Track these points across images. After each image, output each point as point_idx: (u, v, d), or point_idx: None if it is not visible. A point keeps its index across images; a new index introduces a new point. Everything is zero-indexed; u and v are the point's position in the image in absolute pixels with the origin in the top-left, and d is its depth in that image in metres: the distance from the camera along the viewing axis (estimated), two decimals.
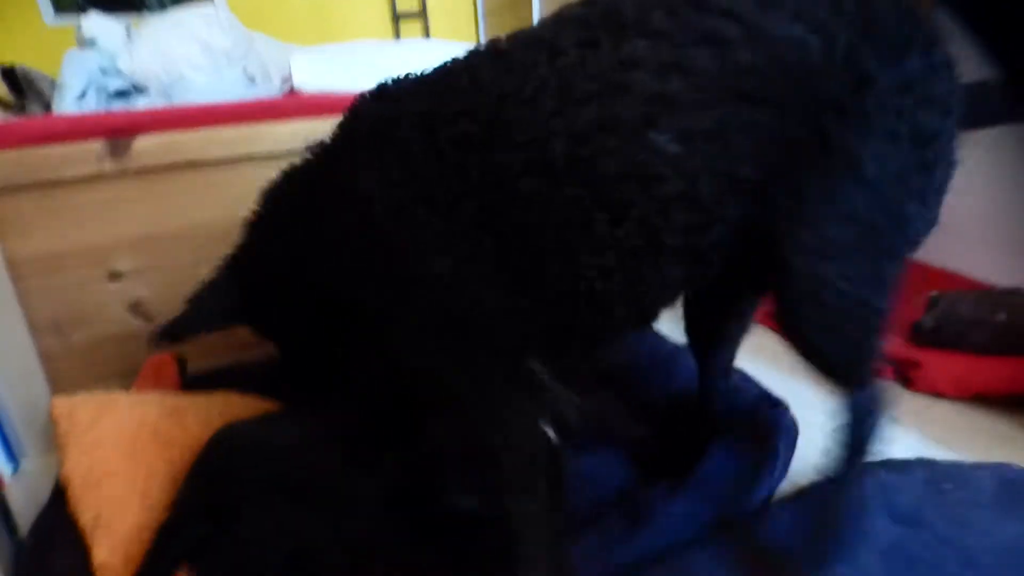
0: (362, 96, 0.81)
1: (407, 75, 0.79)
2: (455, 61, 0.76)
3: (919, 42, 0.66)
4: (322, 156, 0.85)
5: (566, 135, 0.65)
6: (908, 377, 1.41)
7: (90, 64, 1.40)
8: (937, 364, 1.39)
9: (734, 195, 0.67)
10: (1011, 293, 1.46)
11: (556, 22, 0.71)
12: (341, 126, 0.83)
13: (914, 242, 0.76)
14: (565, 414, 0.71)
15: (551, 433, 0.70)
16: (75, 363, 1.15)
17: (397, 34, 3.69)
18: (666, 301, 0.79)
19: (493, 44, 0.74)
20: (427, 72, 0.77)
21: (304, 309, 0.89)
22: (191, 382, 1.16)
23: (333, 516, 0.77)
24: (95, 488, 0.84)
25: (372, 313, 0.78)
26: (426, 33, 3.78)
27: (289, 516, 0.76)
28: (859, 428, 0.80)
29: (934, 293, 1.51)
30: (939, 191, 0.73)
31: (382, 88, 0.80)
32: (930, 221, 0.74)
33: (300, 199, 0.86)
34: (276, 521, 0.75)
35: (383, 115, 0.77)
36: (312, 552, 0.74)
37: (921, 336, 1.47)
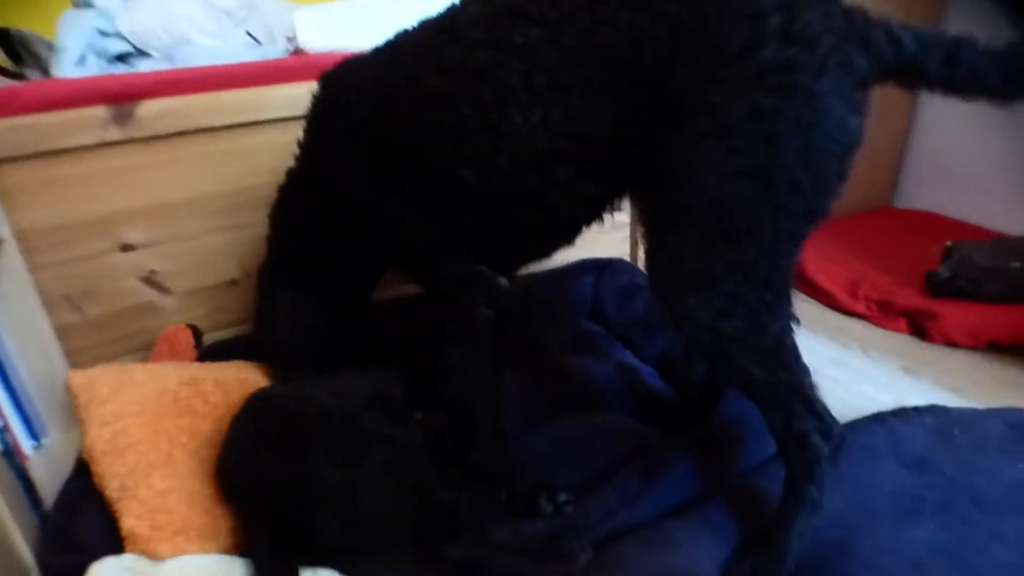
0: (322, 77, 1.00)
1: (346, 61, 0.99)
2: (401, 36, 0.94)
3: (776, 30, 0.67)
4: (298, 147, 1.05)
5: (456, 107, 0.82)
6: (923, 328, 1.41)
7: (88, 25, 1.35)
8: (952, 314, 1.38)
9: (568, 163, 0.81)
10: None
11: (430, 22, 0.89)
12: (306, 115, 1.03)
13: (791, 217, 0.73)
14: (501, 298, 0.95)
15: (489, 312, 0.95)
16: (91, 337, 1.16)
17: None
18: (551, 240, 0.98)
19: (397, 38, 0.94)
20: (380, 48, 0.96)
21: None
22: (206, 353, 1.17)
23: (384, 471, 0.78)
24: (119, 458, 0.85)
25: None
26: None
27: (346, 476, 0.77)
28: None
29: (949, 243, 1.50)
30: (816, 175, 0.71)
31: (325, 77, 1.00)
32: (808, 204, 0.72)
33: (293, 188, 1.08)
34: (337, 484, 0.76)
35: (324, 101, 0.99)
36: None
37: (936, 286, 1.47)
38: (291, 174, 1.08)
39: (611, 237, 1.61)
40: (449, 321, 0.98)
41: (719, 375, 0.86)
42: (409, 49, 0.91)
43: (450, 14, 0.87)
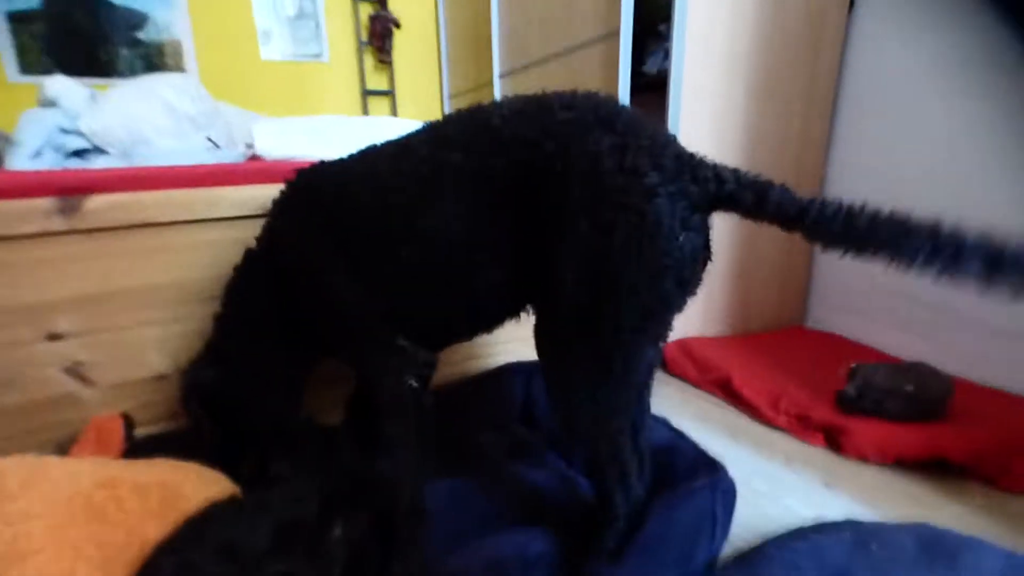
0: (298, 170, 1.15)
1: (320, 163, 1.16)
2: (369, 148, 1.12)
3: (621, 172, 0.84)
4: (262, 230, 1.17)
5: (406, 198, 1.00)
6: (838, 443, 1.49)
7: (48, 123, 1.39)
8: (861, 430, 1.47)
9: (484, 252, 0.97)
10: (914, 367, 1.59)
11: (421, 131, 1.07)
12: (279, 193, 1.16)
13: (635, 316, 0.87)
14: (422, 368, 1.07)
15: (414, 383, 1.05)
16: (7, 426, 1.10)
17: (365, 111, 3.81)
18: (471, 322, 1.11)
19: (365, 148, 1.12)
20: (351, 155, 1.13)
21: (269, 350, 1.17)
22: (136, 445, 1.12)
23: None
24: (18, 564, 0.78)
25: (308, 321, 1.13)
26: (393, 112, 3.91)
27: None
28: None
29: (853, 364, 1.62)
30: (651, 280, 0.85)
31: (300, 172, 1.15)
32: (646, 304, 0.86)
33: (249, 267, 1.17)
34: None
35: (294, 186, 1.15)
36: None
37: (845, 404, 1.57)
38: (250, 254, 1.18)
39: None
40: (381, 393, 1.08)
41: (565, 431, 0.97)
42: (373, 157, 1.10)
43: (405, 137, 1.07)
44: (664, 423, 1.19)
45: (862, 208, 0.78)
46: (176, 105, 1.42)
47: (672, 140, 0.90)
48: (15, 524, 0.82)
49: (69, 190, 1.07)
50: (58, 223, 1.07)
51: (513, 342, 1.63)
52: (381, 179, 1.05)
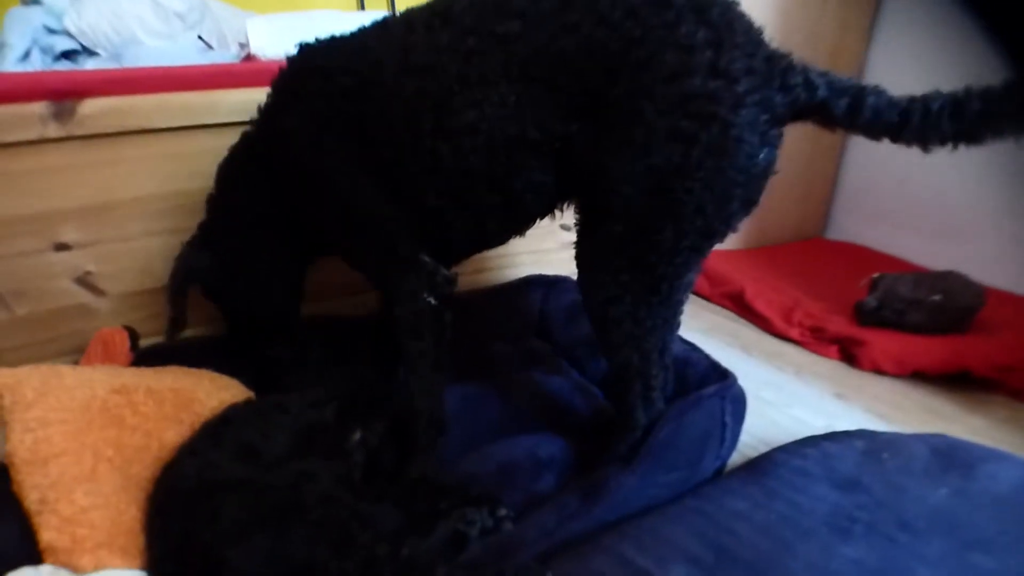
0: (289, 56, 1.01)
1: (329, 37, 1.00)
2: (363, 29, 0.97)
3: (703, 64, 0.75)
4: (259, 113, 1.04)
5: (444, 82, 0.87)
6: (853, 354, 1.48)
7: (35, 22, 1.32)
8: (879, 343, 1.46)
9: (532, 151, 0.87)
10: (945, 276, 1.54)
11: (424, 7, 0.92)
12: (272, 82, 1.02)
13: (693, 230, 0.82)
14: (442, 287, 0.99)
15: (433, 300, 0.98)
16: (20, 336, 1.11)
17: (362, 5, 3.62)
18: (506, 226, 1.03)
19: (384, 19, 0.98)
20: (367, 27, 0.97)
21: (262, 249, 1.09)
22: (142, 356, 1.13)
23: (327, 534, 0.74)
24: (40, 467, 0.80)
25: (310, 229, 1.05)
26: (391, 7, 3.71)
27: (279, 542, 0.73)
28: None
29: (875, 275, 1.58)
30: (720, 199, 0.79)
31: (303, 47, 1.00)
32: (709, 224, 0.82)
33: (246, 154, 1.06)
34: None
35: (300, 68, 0.99)
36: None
37: (864, 316, 1.54)
38: (247, 136, 1.07)
39: (559, 255, 1.63)
40: (401, 311, 1.00)
41: (598, 341, 0.94)
42: (399, 28, 0.94)
43: (445, 2, 0.91)
44: (677, 336, 1.17)
45: (968, 94, 0.71)
46: (162, 0, 1.34)
47: (763, 36, 0.79)
48: (35, 430, 0.84)
49: (62, 94, 1.02)
50: (54, 129, 1.03)
51: (524, 254, 1.60)
52: (412, 57, 0.89)
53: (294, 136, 0.98)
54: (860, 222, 2.19)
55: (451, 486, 0.91)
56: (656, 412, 0.94)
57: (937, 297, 1.47)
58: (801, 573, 0.75)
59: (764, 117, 0.76)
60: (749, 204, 0.82)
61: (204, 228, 1.10)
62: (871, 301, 1.53)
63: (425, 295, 0.98)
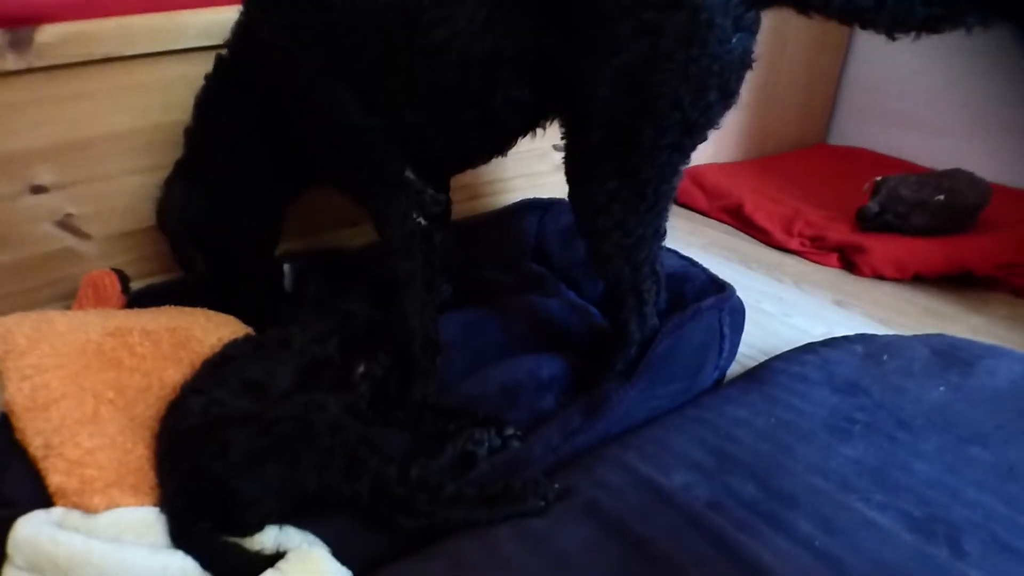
0: None
1: None
2: None
3: None
4: (232, 32, 1.01)
5: (374, 11, 0.87)
6: (853, 262, 1.47)
7: None
8: (880, 247, 1.44)
9: (507, 65, 0.86)
10: (949, 174, 1.51)
11: None
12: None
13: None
14: (430, 207, 0.98)
15: (422, 220, 0.97)
16: (6, 284, 1.09)
17: None
18: (488, 144, 1.02)
19: None
20: None
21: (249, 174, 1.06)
22: (135, 298, 1.11)
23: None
24: (41, 413, 0.80)
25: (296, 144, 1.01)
26: None
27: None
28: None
29: (878, 178, 1.55)
30: (696, 91, 0.77)
31: None
32: (687, 118, 0.79)
33: (222, 78, 1.02)
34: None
35: None
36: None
37: (865, 221, 1.52)
38: (221, 60, 1.02)
39: (553, 178, 1.59)
40: (388, 232, 1.00)
41: (588, 256, 0.95)
42: None
43: None
44: (674, 252, 1.15)
45: None
46: None
47: None
48: (32, 377, 0.83)
49: (16, 20, 0.96)
50: (12, 61, 0.97)
51: (518, 178, 1.57)
52: None
53: (269, 49, 0.95)
54: (864, 125, 2.13)
55: (457, 409, 0.92)
56: (650, 327, 0.94)
57: (941, 197, 1.45)
58: (801, 474, 0.76)
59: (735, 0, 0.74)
60: (728, 96, 0.80)
61: (182, 164, 1.06)
62: (873, 206, 1.51)
63: (414, 215, 0.97)
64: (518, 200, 1.50)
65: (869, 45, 2.01)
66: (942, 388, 0.89)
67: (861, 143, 2.12)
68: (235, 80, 1.01)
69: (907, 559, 0.66)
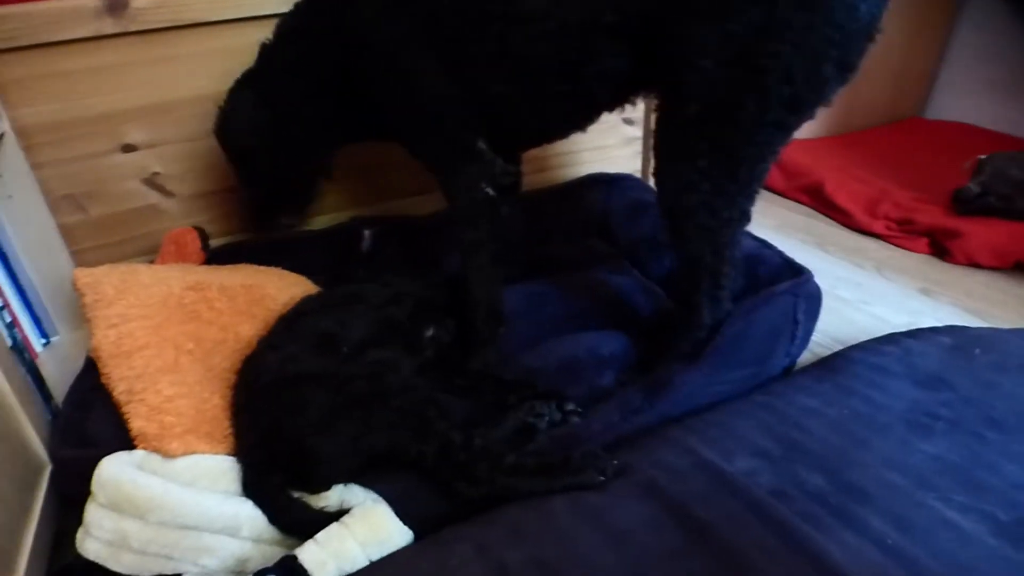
0: None
1: None
2: None
3: None
4: None
5: None
6: (945, 247, 1.37)
7: None
8: (978, 232, 1.34)
9: (606, 34, 0.81)
10: None
11: None
12: None
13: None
14: (501, 177, 0.98)
15: (490, 191, 0.97)
16: (96, 237, 1.15)
17: None
18: (572, 118, 0.98)
19: None
20: None
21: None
22: (213, 255, 1.16)
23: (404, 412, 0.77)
24: (126, 360, 0.84)
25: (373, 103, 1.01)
26: None
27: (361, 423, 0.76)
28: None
29: (982, 156, 1.43)
30: (811, 63, 0.72)
31: None
32: (797, 93, 0.74)
33: (312, 12, 1.01)
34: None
35: None
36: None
37: (963, 204, 1.41)
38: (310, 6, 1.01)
39: (622, 152, 1.56)
40: (456, 200, 1.00)
41: (668, 234, 0.90)
42: None
43: None
44: (747, 233, 1.11)
45: None
46: None
47: None
48: (118, 325, 0.88)
49: None
50: (110, 25, 1.03)
51: (586, 151, 1.53)
52: None
53: (361, 6, 0.94)
54: (968, 97, 1.95)
55: (519, 381, 0.92)
56: (723, 312, 0.90)
57: None
58: (875, 468, 0.72)
59: None
60: (846, 69, 0.73)
61: (251, 74, 1.05)
62: (973, 187, 1.39)
63: (483, 185, 0.96)
64: (585, 174, 1.47)
65: (980, 8, 1.84)
66: None
67: (962, 117, 1.96)
68: (324, 20, 0.99)
69: (989, 564, 0.61)
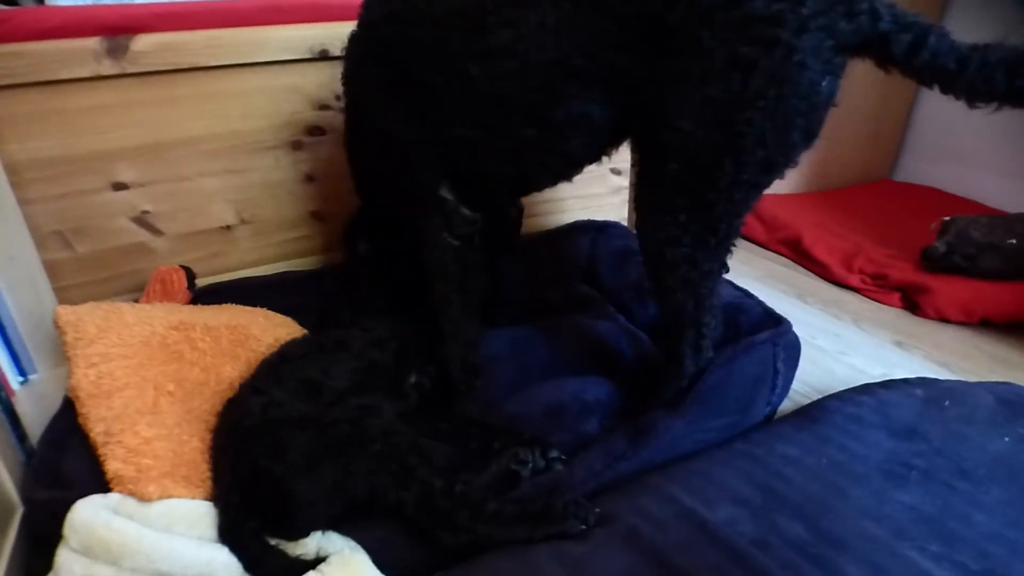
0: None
1: None
2: None
3: None
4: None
5: (434, 15, 0.87)
6: (916, 302, 1.42)
7: None
8: (946, 289, 1.39)
9: (574, 79, 0.82)
10: (1023, 218, 1.45)
11: None
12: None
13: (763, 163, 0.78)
14: (460, 227, 0.98)
15: (454, 241, 0.97)
16: (81, 275, 1.15)
17: None
18: (548, 165, 0.96)
19: None
20: None
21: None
22: (199, 295, 1.16)
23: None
24: (104, 401, 0.83)
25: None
26: None
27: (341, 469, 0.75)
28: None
29: (946, 218, 1.50)
30: (781, 129, 0.75)
31: None
32: (770, 156, 0.78)
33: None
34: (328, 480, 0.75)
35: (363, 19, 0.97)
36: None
37: (932, 261, 1.47)
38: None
39: (610, 200, 1.60)
40: (424, 251, 1.00)
41: (651, 286, 0.92)
42: None
43: None
44: (728, 283, 1.13)
45: None
46: None
47: None
48: (98, 365, 0.87)
49: (115, 29, 1.03)
50: (108, 66, 1.04)
51: (573, 199, 1.57)
52: None
53: (345, 62, 1.00)
54: (933, 162, 2.06)
55: (503, 427, 0.92)
56: (705, 360, 0.92)
57: (1013, 241, 1.38)
58: (853, 517, 0.73)
59: (828, 43, 0.72)
60: (810, 136, 0.78)
61: None
62: (940, 246, 1.45)
63: (444, 235, 0.97)
64: (572, 221, 1.50)
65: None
66: (1007, 439, 0.85)
67: (929, 181, 2.06)
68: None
69: None
